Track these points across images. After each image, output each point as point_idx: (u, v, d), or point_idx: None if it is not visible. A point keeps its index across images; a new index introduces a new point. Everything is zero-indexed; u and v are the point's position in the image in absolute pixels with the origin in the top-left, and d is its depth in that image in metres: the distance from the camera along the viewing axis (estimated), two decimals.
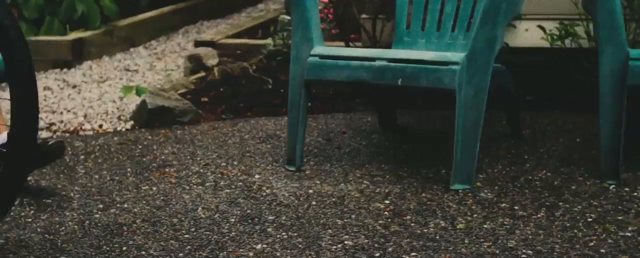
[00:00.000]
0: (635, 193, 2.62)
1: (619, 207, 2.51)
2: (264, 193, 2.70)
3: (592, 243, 2.24)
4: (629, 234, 2.30)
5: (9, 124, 2.28)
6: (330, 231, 2.38)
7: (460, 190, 2.67)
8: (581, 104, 3.51)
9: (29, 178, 2.84)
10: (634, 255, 2.15)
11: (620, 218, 2.42)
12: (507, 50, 3.65)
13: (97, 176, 2.92)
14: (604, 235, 2.30)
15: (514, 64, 3.42)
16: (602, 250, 2.19)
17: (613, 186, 2.68)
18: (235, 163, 3.03)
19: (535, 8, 3.75)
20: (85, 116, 3.78)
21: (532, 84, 3.78)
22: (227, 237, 2.36)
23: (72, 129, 3.60)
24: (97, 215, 2.55)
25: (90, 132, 3.54)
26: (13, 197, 2.25)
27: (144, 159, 3.09)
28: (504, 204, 2.56)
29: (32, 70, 2.18)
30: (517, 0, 2.86)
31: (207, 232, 2.40)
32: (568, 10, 3.64)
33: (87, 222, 2.50)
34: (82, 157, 3.15)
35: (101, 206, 2.63)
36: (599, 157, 2.75)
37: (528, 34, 3.82)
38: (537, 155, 3.02)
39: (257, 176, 2.89)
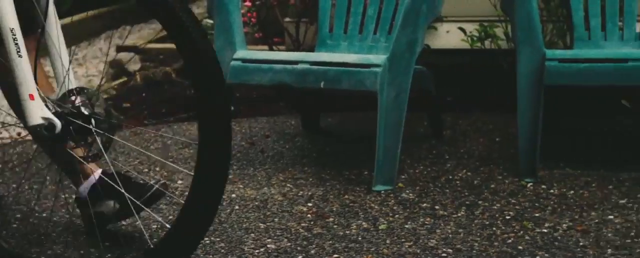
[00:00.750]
0: (552, 191, 2.67)
1: (536, 204, 2.56)
2: None
3: (510, 240, 2.28)
4: (545, 230, 2.34)
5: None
6: (253, 235, 2.37)
7: (382, 191, 2.69)
8: (500, 104, 3.58)
9: None
10: (550, 251, 2.19)
11: (537, 215, 2.47)
12: (428, 51, 3.70)
13: (15, 185, 2.85)
14: (522, 232, 2.34)
15: (436, 66, 3.46)
16: (520, 247, 2.23)
17: (531, 184, 2.74)
18: (158, 169, 3.00)
19: (456, 10, 3.81)
20: (2, 124, 3.69)
21: (453, 85, 3.84)
22: (149, 244, 2.33)
23: None
24: (15, 225, 2.50)
25: (9, 140, 3.46)
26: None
27: None
28: (425, 204, 2.59)
29: (216, 61, 1.88)
30: (437, 3, 2.90)
31: (129, 240, 2.36)
32: (488, 12, 3.70)
33: (5, 232, 2.44)
34: None
35: (19, 216, 2.57)
36: (517, 155, 2.81)
37: (449, 36, 3.88)
38: (457, 155, 3.07)
39: (179, 182, 2.86)
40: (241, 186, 2.79)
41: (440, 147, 3.16)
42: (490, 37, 3.74)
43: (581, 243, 2.24)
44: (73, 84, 2.03)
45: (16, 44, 1.90)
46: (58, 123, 1.92)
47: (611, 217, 2.43)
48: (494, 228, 2.37)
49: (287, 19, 4.05)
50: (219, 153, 1.92)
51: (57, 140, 1.94)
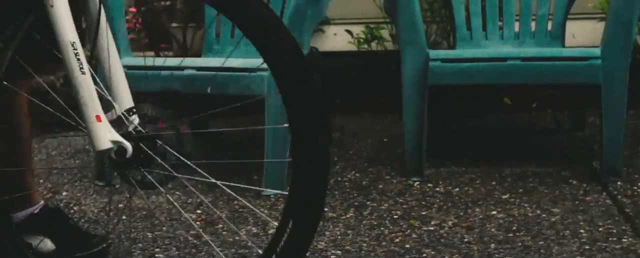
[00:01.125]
0: (438, 189, 2.73)
1: (423, 203, 2.60)
2: (72, 211, 2.61)
3: (397, 240, 2.31)
4: (432, 228, 2.39)
5: None
6: (140, 245, 2.33)
7: (272, 196, 2.69)
8: (388, 104, 3.63)
9: None
10: (437, 248, 2.23)
11: (424, 213, 2.51)
12: (316, 54, 3.72)
13: None
14: (409, 230, 2.37)
15: (324, 68, 3.49)
16: (407, 246, 2.26)
17: (417, 183, 2.79)
18: (42, 181, 2.92)
19: (343, 13, 3.85)
20: None
21: (342, 87, 3.87)
22: None
23: None
24: None
25: None
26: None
27: None
28: None
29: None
30: (322, 6, 2.92)
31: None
32: (374, 14, 3.75)
33: None
34: None
35: None
36: (405, 155, 2.85)
37: (336, 38, 3.91)
38: (346, 157, 3.09)
39: (64, 193, 2.79)
40: (128, 196, 2.74)
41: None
42: (377, 39, 3.79)
43: (466, 239, 2.29)
44: (131, 102, 1.80)
45: (78, 59, 1.65)
46: (129, 146, 1.73)
47: (494, 212, 2.50)
48: (382, 228, 2.40)
49: (174, 25, 4.01)
50: (321, 164, 1.76)
51: (127, 166, 1.75)
